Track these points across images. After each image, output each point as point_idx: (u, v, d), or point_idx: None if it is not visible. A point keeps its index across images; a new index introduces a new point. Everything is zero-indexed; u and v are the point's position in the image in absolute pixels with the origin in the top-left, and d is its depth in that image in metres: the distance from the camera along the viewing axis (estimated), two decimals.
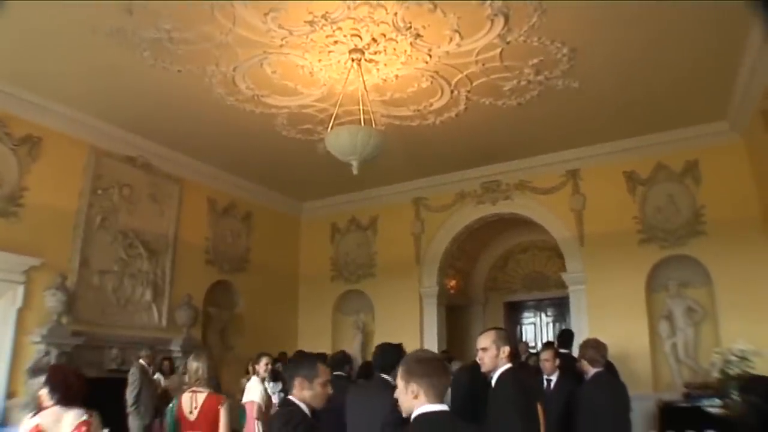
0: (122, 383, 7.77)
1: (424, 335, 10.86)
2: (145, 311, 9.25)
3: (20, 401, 7.21)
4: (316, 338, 11.29)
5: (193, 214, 10.30)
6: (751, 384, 3.09)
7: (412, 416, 2.32)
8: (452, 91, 7.73)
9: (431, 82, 7.50)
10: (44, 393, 3.73)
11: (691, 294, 8.90)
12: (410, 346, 10.08)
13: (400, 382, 2.38)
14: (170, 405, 4.72)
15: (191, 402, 4.56)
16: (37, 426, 3.53)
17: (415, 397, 2.31)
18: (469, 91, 7.72)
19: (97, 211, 8.65)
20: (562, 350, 7.10)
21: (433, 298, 11.18)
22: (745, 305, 7.99)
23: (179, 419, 4.57)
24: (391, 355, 4.27)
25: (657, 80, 7.38)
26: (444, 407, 2.32)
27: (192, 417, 4.51)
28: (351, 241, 12.22)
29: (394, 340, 10.56)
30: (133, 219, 9.18)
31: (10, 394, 7.23)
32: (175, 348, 9.16)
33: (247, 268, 11.32)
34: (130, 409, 7.32)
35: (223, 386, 9.08)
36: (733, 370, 6.62)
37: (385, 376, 4.16)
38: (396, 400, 2.46)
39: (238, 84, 7.50)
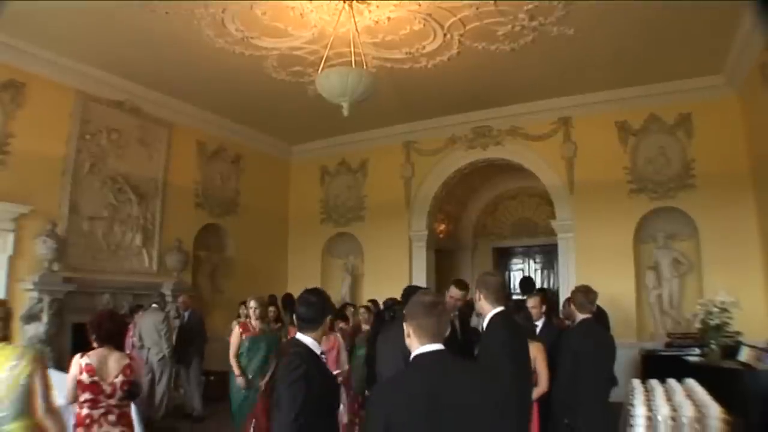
0: None
1: (413, 279, 10.93)
2: (135, 256, 9.28)
3: None
4: (305, 281, 11.10)
5: (183, 158, 10.21)
6: None
7: (411, 357, 2.38)
8: (445, 35, 7.57)
9: (424, 25, 7.33)
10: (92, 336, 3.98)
11: (677, 246, 9.05)
12: (399, 290, 10.21)
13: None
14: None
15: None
16: (88, 365, 3.77)
17: (408, 335, 2.41)
18: (462, 35, 7.57)
19: (85, 157, 8.54)
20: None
21: (423, 242, 11.26)
22: (728, 258, 8.19)
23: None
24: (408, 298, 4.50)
25: (654, 31, 7.27)
26: (437, 347, 2.35)
27: None
28: (341, 183, 12.21)
29: (383, 284, 10.80)
30: (122, 164, 9.09)
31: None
32: (166, 292, 9.19)
33: (236, 211, 11.33)
34: (166, 353, 7.59)
35: (214, 330, 9.27)
36: (714, 321, 6.80)
37: None
38: None
39: (227, 26, 7.30)
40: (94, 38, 7.59)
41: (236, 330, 6.42)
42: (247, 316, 6.56)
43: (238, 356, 6.20)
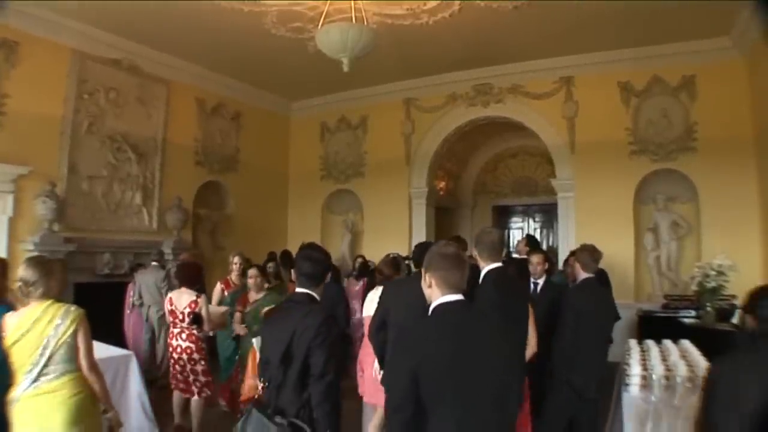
0: (115, 287, 7.98)
1: (412, 236, 11.00)
2: (135, 215, 9.30)
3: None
4: (305, 237, 10.92)
5: (182, 115, 10.12)
6: None
7: (431, 307, 2.47)
8: None
9: None
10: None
11: (677, 209, 9.07)
12: (398, 247, 10.33)
13: (423, 273, 2.55)
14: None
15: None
16: (170, 299, 5.68)
17: (429, 286, 2.49)
18: None
19: (83, 116, 8.48)
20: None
21: (423, 199, 11.27)
22: (727, 222, 8.24)
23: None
24: (423, 252, 4.51)
25: None
26: (459, 297, 2.45)
27: None
28: (341, 140, 12.14)
29: (383, 241, 10.83)
30: (121, 122, 9.02)
31: None
32: (167, 250, 9.25)
33: (236, 169, 11.31)
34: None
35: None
36: (710, 284, 6.87)
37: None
38: None
39: None
40: None
41: (218, 286, 6.52)
42: (231, 271, 6.62)
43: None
